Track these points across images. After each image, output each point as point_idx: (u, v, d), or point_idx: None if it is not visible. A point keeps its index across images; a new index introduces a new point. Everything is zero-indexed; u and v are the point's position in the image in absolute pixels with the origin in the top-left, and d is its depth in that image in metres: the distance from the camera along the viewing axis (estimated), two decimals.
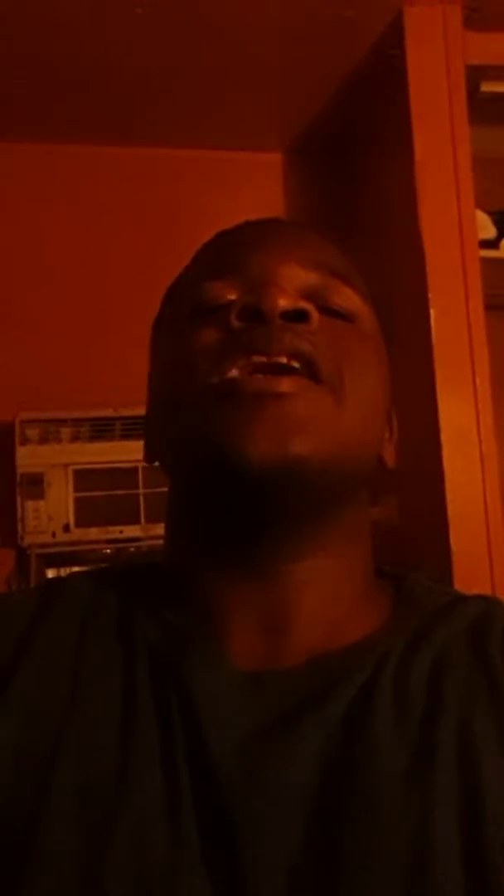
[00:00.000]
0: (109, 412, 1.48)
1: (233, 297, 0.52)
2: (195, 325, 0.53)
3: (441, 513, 1.22)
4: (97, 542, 1.47)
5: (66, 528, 1.45)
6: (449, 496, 1.22)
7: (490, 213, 1.46)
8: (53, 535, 1.45)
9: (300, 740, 0.46)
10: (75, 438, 1.48)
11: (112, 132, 1.62)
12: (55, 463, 1.47)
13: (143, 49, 1.38)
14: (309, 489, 0.48)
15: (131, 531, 1.47)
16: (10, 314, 1.57)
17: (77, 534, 1.46)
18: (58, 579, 0.61)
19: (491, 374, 1.27)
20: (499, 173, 1.52)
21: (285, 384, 0.48)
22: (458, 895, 0.42)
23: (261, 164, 1.71)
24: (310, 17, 1.32)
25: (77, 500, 1.46)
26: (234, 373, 0.49)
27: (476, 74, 1.37)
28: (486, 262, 1.33)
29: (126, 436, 1.47)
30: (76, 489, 1.47)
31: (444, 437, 1.24)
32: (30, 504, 1.45)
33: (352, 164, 1.64)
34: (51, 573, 1.45)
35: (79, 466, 1.47)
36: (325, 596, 0.52)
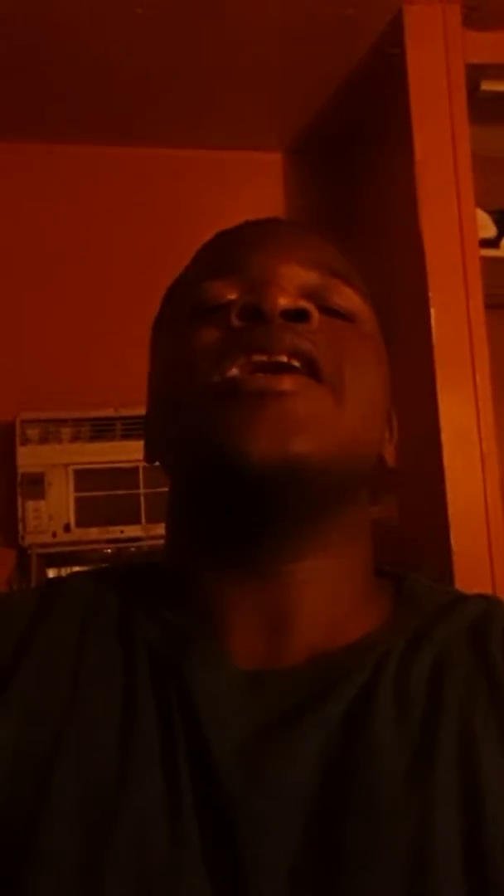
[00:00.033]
0: (110, 412, 1.48)
1: (233, 296, 0.52)
2: (195, 324, 0.53)
3: (441, 512, 1.22)
4: (98, 542, 1.47)
5: (67, 528, 1.46)
6: (449, 496, 1.22)
7: (490, 212, 1.46)
8: (54, 534, 1.45)
9: (300, 740, 0.46)
10: (76, 438, 1.48)
11: (112, 132, 1.62)
12: (56, 463, 1.47)
13: (142, 49, 1.37)
14: (309, 488, 0.48)
15: (132, 531, 1.47)
16: (10, 314, 1.57)
17: (78, 534, 1.46)
18: (58, 579, 0.61)
19: (491, 374, 1.27)
20: (499, 172, 1.52)
21: (286, 382, 0.48)
22: (458, 895, 0.42)
23: (261, 163, 1.71)
24: (309, 16, 1.32)
25: (78, 500, 1.46)
26: (234, 372, 0.49)
27: (476, 73, 1.37)
28: (486, 261, 1.33)
29: (126, 436, 1.47)
30: (77, 489, 1.47)
31: (444, 437, 1.24)
32: (30, 504, 1.45)
33: (352, 163, 1.64)
34: (51, 573, 1.45)
35: (79, 466, 1.47)
36: (325, 595, 0.52)
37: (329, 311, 0.53)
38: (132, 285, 1.50)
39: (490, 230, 1.46)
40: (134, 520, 1.47)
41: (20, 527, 1.45)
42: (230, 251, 0.55)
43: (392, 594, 0.56)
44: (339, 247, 0.58)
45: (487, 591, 1.16)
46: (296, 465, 0.47)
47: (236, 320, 0.50)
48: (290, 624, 0.51)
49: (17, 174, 1.62)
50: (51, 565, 1.46)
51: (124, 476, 1.47)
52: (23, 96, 1.48)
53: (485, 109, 1.41)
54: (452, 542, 1.21)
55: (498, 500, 1.24)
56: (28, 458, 1.46)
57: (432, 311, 1.27)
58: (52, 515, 1.45)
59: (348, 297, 0.54)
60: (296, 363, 0.49)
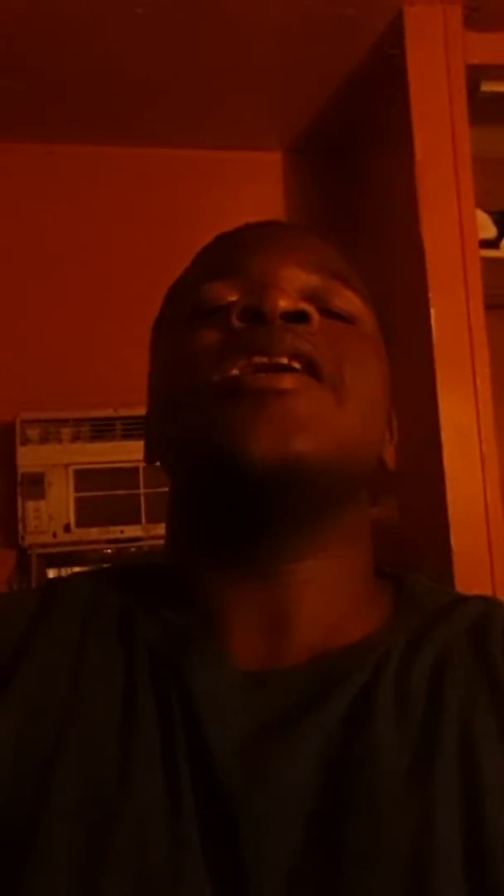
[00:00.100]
0: (110, 412, 1.48)
1: (233, 298, 0.52)
2: (196, 325, 0.53)
3: (441, 513, 1.22)
4: (98, 542, 1.47)
5: (67, 528, 1.46)
6: (449, 496, 1.22)
7: (490, 213, 1.46)
8: (54, 535, 1.45)
9: (301, 740, 0.46)
10: (76, 438, 1.48)
11: (112, 132, 1.62)
12: (56, 463, 1.47)
13: (142, 49, 1.38)
14: (310, 487, 0.48)
15: (132, 531, 1.47)
16: (10, 314, 1.57)
17: (78, 534, 1.46)
18: (58, 579, 0.61)
19: (491, 374, 1.27)
20: (499, 173, 1.52)
21: (287, 381, 0.49)
22: (458, 895, 0.42)
23: (261, 163, 1.71)
24: (310, 16, 1.32)
25: (78, 500, 1.46)
26: (235, 372, 0.49)
27: (476, 74, 1.37)
28: (486, 261, 1.34)
29: (127, 436, 1.47)
30: (77, 489, 1.47)
31: (444, 437, 1.24)
32: (30, 504, 1.45)
33: (352, 163, 1.64)
34: (52, 573, 1.45)
35: (79, 466, 1.47)
36: (325, 596, 0.52)
37: (329, 313, 0.53)
38: (132, 285, 1.50)
39: (490, 231, 1.46)
40: (134, 520, 1.47)
41: (20, 527, 1.45)
42: (230, 253, 0.55)
43: (392, 594, 0.56)
44: (339, 249, 0.58)
45: (487, 591, 1.16)
46: (296, 464, 0.47)
47: (237, 322, 0.50)
48: (290, 624, 0.51)
49: (17, 174, 1.62)
50: (51, 565, 1.46)
51: (124, 476, 1.47)
52: (23, 96, 1.48)
53: (485, 110, 1.41)
54: (452, 542, 1.21)
55: (498, 500, 1.24)
56: (28, 458, 1.46)
57: (432, 311, 1.27)
58: (52, 515, 1.45)
59: (348, 300, 0.54)
60: (296, 365, 0.49)
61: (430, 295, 1.27)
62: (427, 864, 0.42)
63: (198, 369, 0.51)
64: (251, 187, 1.68)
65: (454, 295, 1.28)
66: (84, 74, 1.44)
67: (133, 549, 1.47)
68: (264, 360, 0.49)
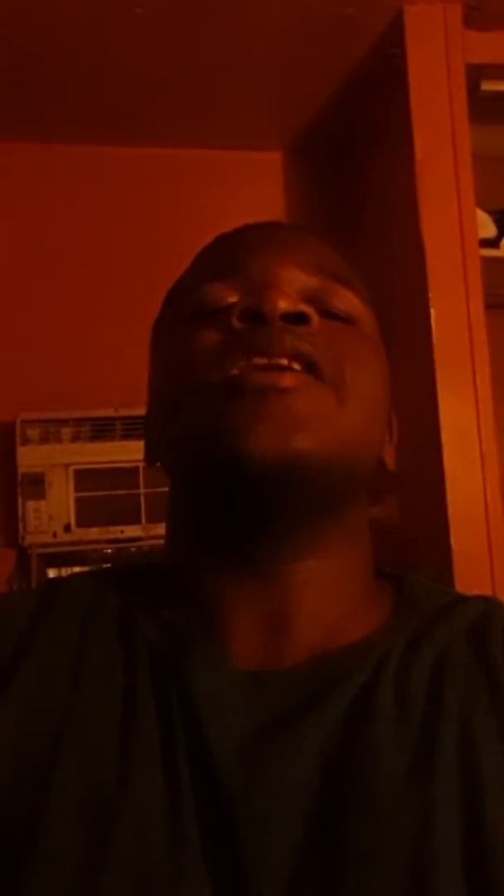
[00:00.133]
0: (110, 412, 1.48)
1: (233, 299, 0.52)
2: (196, 326, 0.53)
3: (441, 512, 1.22)
4: (98, 541, 1.47)
5: (67, 528, 1.46)
6: (449, 496, 1.22)
7: (490, 212, 1.46)
8: (54, 535, 1.45)
9: (301, 740, 0.46)
10: (76, 438, 1.48)
11: (112, 132, 1.62)
12: (56, 463, 1.47)
13: (142, 48, 1.38)
14: (310, 486, 0.48)
15: (132, 531, 1.47)
16: (10, 314, 1.57)
17: (78, 534, 1.46)
18: (59, 579, 0.61)
19: (491, 374, 1.27)
20: (499, 172, 1.52)
21: (287, 380, 0.49)
22: (458, 895, 0.42)
23: (261, 163, 1.71)
24: (310, 16, 1.32)
25: (78, 500, 1.47)
26: (235, 372, 0.49)
27: (476, 73, 1.37)
28: (486, 261, 1.33)
29: (127, 436, 1.47)
30: (77, 489, 1.47)
31: (444, 437, 1.24)
32: (31, 504, 1.45)
33: (352, 163, 1.64)
34: (52, 573, 1.45)
35: (79, 466, 1.47)
36: (325, 596, 0.52)
37: (329, 314, 0.53)
38: (132, 285, 1.50)
39: (490, 230, 1.46)
40: (134, 520, 1.47)
41: (20, 527, 1.45)
42: (230, 254, 0.56)
43: (392, 595, 0.56)
44: (338, 250, 0.58)
45: (487, 590, 1.16)
46: (297, 462, 0.47)
47: (237, 323, 0.50)
48: (290, 624, 0.51)
49: (16, 174, 1.62)
50: (51, 565, 1.46)
51: (124, 476, 1.47)
52: (22, 96, 1.48)
53: (485, 109, 1.41)
54: (452, 541, 1.21)
55: (498, 499, 1.24)
56: (28, 458, 1.46)
57: (432, 311, 1.27)
58: (52, 515, 1.45)
59: (348, 301, 0.54)
60: (296, 366, 0.49)
61: (430, 294, 1.27)
62: (427, 863, 0.42)
63: (198, 369, 0.51)
64: (251, 187, 1.68)
65: (454, 294, 1.28)
66: (84, 74, 1.44)
67: (133, 549, 1.47)
68: (264, 360, 0.49)
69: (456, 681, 0.49)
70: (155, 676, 0.49)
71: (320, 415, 0.49)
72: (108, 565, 1.42)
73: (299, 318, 0.50)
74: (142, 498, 1.47)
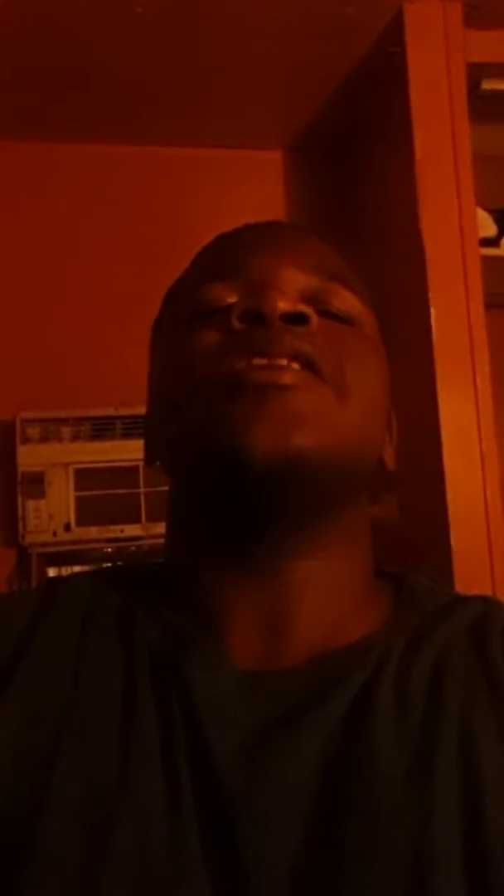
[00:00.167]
0: (110, 411, 1.48)
1: (233, 299, 0.52)
2: (196, 326, 0.53)
3: (441, 512, 1.22)
4: (98, 541, 1.47)
5: (67, 528, 1.46)
6: (449, 495, 1.22)
7: (490, 211, 1.46)
8: (54, 534, 1.45)
9: (301, 740, 0.46)
10: (76, 437, 1.48)
11: (112, 131, 1.62)
12: (56, 462, 1.47)
13: (142, 47, 1.37)
14: (310, 483, 0.48)
15: (132, 530, 1.47)
16: (10, 313, 1.57)
17: (78, 533, 1.46)
18: (59, 579, 0.61)
19: (491, 373, 1.27)
20: (499, 171, 1.52)
21: (288, 377, 0.49)
22: (458, 895, 0.42)
23: (261, 162, 1.71)
24: (310, 15, 1.32)
25: (78, 499, 1.46)
26: (235, 370, 0.49)
27: (477, 72, 1.37)
28: (486, 260, 1.33)
29: (127, 435, 1.47)
30: (77, 488, 1.47)
31: (444, 436, 1.24)
32: (30, 503, 1.45)
33: (352, 162, 1.64)
34: (52, 572, 1.45)
35: (79, 465, 1.47)
36: (325, 595, 0.53)
37: (329, 314, 0.53)
38: (132, 284, 1.50)
39: (490, 229, 1.46)
40: (134, 519, 1.47)
41: (20, 526, 1.45)
42: (230, 254, 0.56)
43: (392, 595, 0.56)
44: (338, 250, 0.58)
45: (487, 590, 1.16)
46: (297, 459, 0.47)
47: (237, 323, 0.50)
48: (289, 624, 0.51)
49: (16, 173, 1.62)
50: (51, 564, 1.46)
51: (124, 475, 1.47)
52: (22, 94, 1.48)
53: (485, 108, 1.41)
54: (452, 541, 1.21)
55: (498, 499, 1.24)
56: (28, 457, 1.46)
57: (432, 310, 1.27)
58: (52, 514, 1.45)
59: (348, 301, 0.54)
60: (296, 366, 0.49)
61: (430, 294, 1.27)
62: (427, 863, 0.42)
63: (198, 369, 0.51)
64: (251, 186, 1.68)
65: (454, 293, 1.28)
66: (84, 73, 1.43)
67: (133, 548, 1.47)
68: (264, 361, 0.49)
69: (456, 681, 0.49)
70: (155, 676, 0.49)
71: (320, 412, 0.49)
72: (108, 564, 1.42)
73: (299, 319, 0.50)
74: (142, 497, 1.47)
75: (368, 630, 0.52)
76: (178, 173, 1.66)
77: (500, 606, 0.56)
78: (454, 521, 1.21)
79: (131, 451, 1.43)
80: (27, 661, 0.50)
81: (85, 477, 1.47)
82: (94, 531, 1.46)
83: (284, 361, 0.49)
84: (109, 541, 1.47)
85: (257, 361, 0.49)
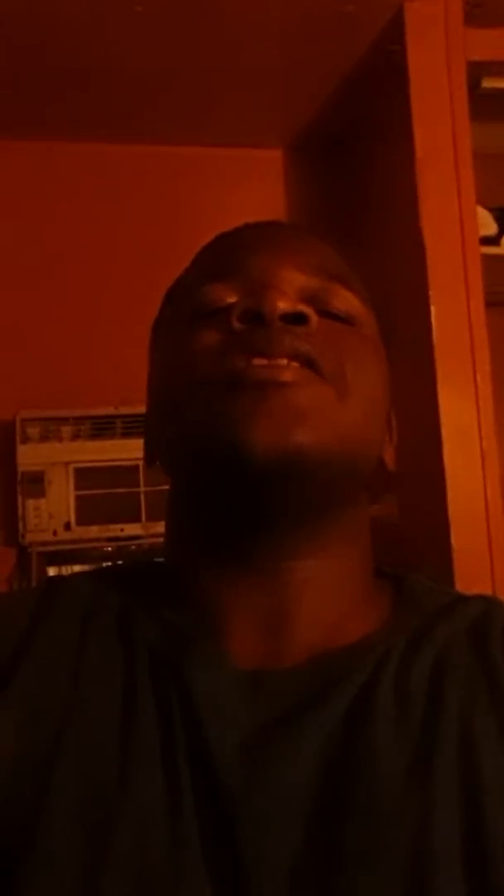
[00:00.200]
0: (110, 410, 1.48)
1: (233, 299, 0.52)
2: (195, 326, 0.53)
3: (442, 510, 1.22)
4: (98, 540, 1.47)
5: (67, 527, 1.46)
6: (450, 494, 1.22)
7: (491, 210, 1.46)
8: (54, 533, 1.45)
9: (301, 740, 0.46)
10: (76, 436, 1.48)
11: (112, 130, 1.61)
12: (56, 461, 1.47)
13: (142, 46, 1.37)
14: (310, 481, 0.48)
15: (132, 529, 1.47)
16: (10, 312, 1.57)
17: (78, 532, 1.46)
18: (59, 578, 0.61)
19: (492, 372, 1.27)
20: (500, 169, 1.52)
21: (288, 374, 0.49)
22: (458, 895, 0.42)
23: (261, 161, 1.70)
24: (310, 13, 1.32)
25: (78, 499, 1.46)
26: (234, 368, 0.49)
27: (477, 70, 1.37)
28: (487, 258, 1.33)
29: (127, 434, 1.47)
30: (77, 487, 1.47)
31: (444, 435, 1.24)
32: (31, 502, 1.45)
33: (353, 160, 1.64)
34: (52, 571, 1.45)
35: (80, 464, 1.47)
36: (325, 595, 0.52)
37: (329, 314, 0.53)
38: (132, 283, 1.50)
39: (491, 227, 1.46)
40: (134, 518, 1.47)
41: (20, 525, 1.45)
42: (230, 254, 0.55)
43: (392, 595, 0.56)
44: (338, 250, 0.58)
45: (487, 589, 1.16)
46: (297, 456, 0.47)
47: (237, 323, 0.50)
48: (289, 623, 0.51)
49: (16, 172, 1.62)
50: (51, 564, 1.46)
51: (125, 474, 1.47)
52: (22, 93, 1.48)
53: (486, 106, 1.41)
54: (452, 539, 1.21)
55: (498, 497, 1.24)
56: (28, 456, 1.46)
57: (433, 308, 1.27)
58: (52, 514, 1.45)
59: (347, 301, 0.54)
60: (296, 365, 0.49)
61: (431, 292, 1.27)
62: (427, 864, 0.42)
63: (198, 369, 0.51)
64: (252, 185, 1.68)
65: (455, 292, 1.28)
66: (84, 72, 1.43)
67: (133, 547, 1.47)
68: (264, 361, 0.49)
69: (456, 680, 0.49)
70: (155, 676, 0.49)
71: (321, 410, 0.49)
72: (109, 564, 1.42)
73: (299, 319, 0.50)
74: (142, 496, 1.47)
75: (368, 630, 0.52)
76: (178, 172, 1.66)
77: (500, 606, 0.56)
78: (454, 520, 1.21)
79: (131, 450, 1.43)
80: (27, 661, 0.50)
81: (85, 476, 1.47)
82: (94, 530, 1.46)
83: (284, 361, 0.49)
84: (109, 540, 1.47)
85: (257, 361, 0.49)
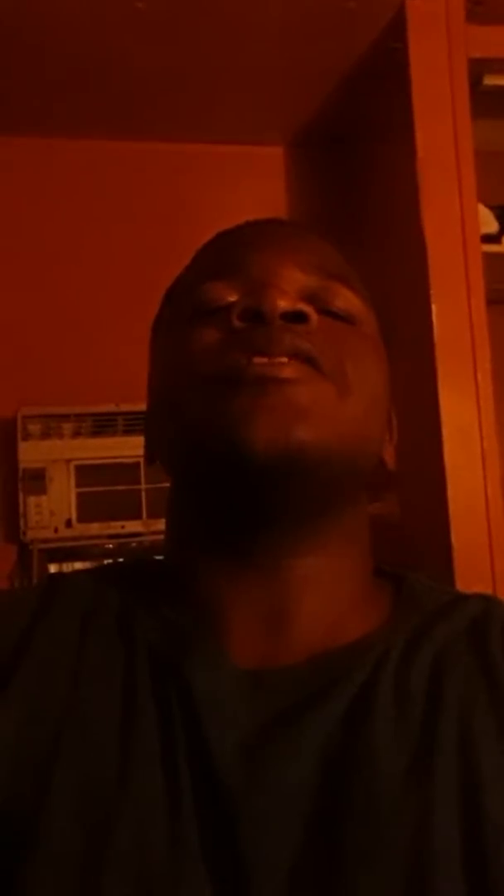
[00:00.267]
0: (111, 407, 1.48)
1: (233, 298, 0.52)
2: (195, 325, 0.53)
3: (442, 509, 1.22)
4: (99, 537, 1.47)
5: (69, 524, 1.46)
6: (450, 492, 1.22)
7: (492, 208, 1.46)
8: (56, 530, 1.45)
9: (301, 739, 0.46)
10: (77, 434, 1.48)
11: (113, 126, 1.61)
12: (57, 458, 1.47)
13: (143, 43, 1.37)
14: (310, 478, 0.48)
15: (133, 526, 1.47)
16: (11, 309, 1.57)
17: (79, 529, 1.46)
18: (59, 576, 0.61)
19: (493, 370, 1.27)
20: (501, 167, 1.52)
21: (288, 371, 0.49)
22: (458, 895, 0.42)
23: (262, 158, 1.70)
24: (311, 10, 1.31)
25: (79, 496, 1.46)
26: (235, 366, 0.49)
27: (479, 68, 1.37)
28: (488, 256, 1.33)
29: (128, 431, 1.47)
30: (78, 484, 1.47)
31: (445, 433, 1.24)
32: (32, 499, 1.45)
33: (354, 158, 1.64)
34: (53, 568, 1.45)
35: (81, 462, 1.47)
36: (324, 594, 0.52)
37: (329, 313, 0.53)
38: (133, 280, 1.50)
39: (492, 225, 1.45)
40: (135, 515, 1.47)
41: (21, 522, 1.45)
42: (230, 252, 0.55)
43: (392, 594, 0.56)
44: (339, 249, 0.58)
45: (488, 587, 1.16)
46: (298, 454, 0.47)
47: (237, 322, 0.50)
48: (289, 622, 0.51)
49: (17, 169, 1.62)
50: (52, 561, 1.46)
51: (126, 471, 1.47)
52: (23, 90, 1.48)
53: (487, 104, 1.40)
54: (453, 538, 1.21)
55: (499, 496, 1.24)
56: (29, 453, 1.46)
57: (434, 306, 1.27)
58: (53, 511, 1.45)
59: (348, 300, 0.54)
60: (296, 364, 0.49)
61: (432, 290, 1.27)
62: (426, 863, 0.42)
63: (198, 367, 0.51)
64: (253, 182, 1.68)
65: (456, 290, 1.28)
66: (84, 69, 1.43)
67: (134, 545, 1.47)
68: (264, 360, 0.49)
69: (455, 680, 0.49)
70: (155, 676, 0.49)
71: (321, 407, 0.49)
72: (109, 561, 1.42)
73: (299, 317, 0.50)
74: (143, 493, 1.47)
75: (368, 629, 0.52)
76: (179, 169, 1.65)
77: (500, 605, 0.56)
78: (455, 518, 1.21)
79: (132, 447, 1.43)
80: (27, 660, 0.51)
81: (86, 473, 1.47)
82: (95, 527, 1.46)
83: (285, 359, 0.49)
84: (110, 537, 1.47)
85: (258, 360, 0.49)
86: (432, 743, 0.46)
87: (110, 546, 1.48)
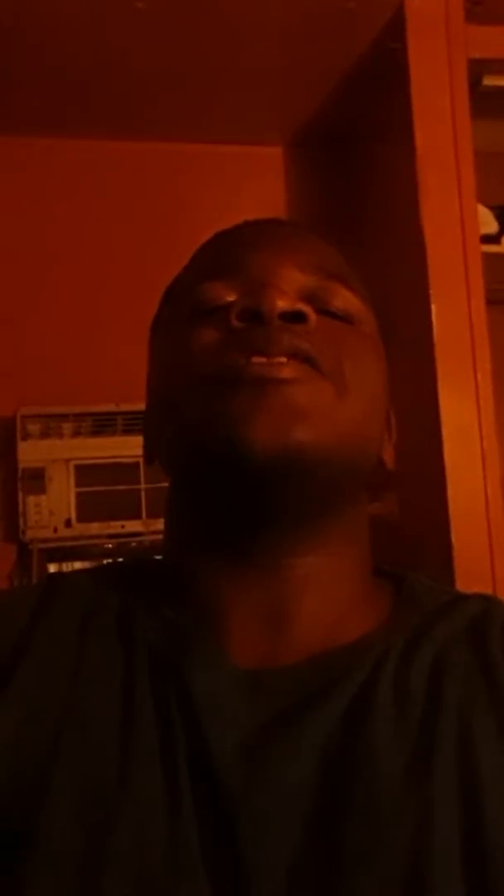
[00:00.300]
0: (111, 407, 1.48)
1: (232, 298, 0.52)
2: (194, 325, 0.53)
3: (442, 509, 1.22)
4: (99, 536, 1.47)
5: (68, 523, 1.46)
6: (450, 492, 1.22)
7: (492, 208, 1.46)
8: (55, 530, 1.45)
9: (300, 739, 0.46)
10: (77, 433, 1.48)
11: (112, 126, 1.61)
12: (56, 458, 1.47)
13: (144, 43, 1.37)
14: (309, 478, 0.48)
15: (133, 526, 1.47)
16: (10, 309, 1.56)
17: (79, 529, 1.46)
18: (59, 575, 0.61)
19: (493, 370, 1.27)
20: (501, 167, 1.52)
21: (287, 371, 0.49)
22: (457, 895, 0.42)
23: (262, 158, 1.70)
24: (311, 10, 1.31)
25: (78, 495, 1.46)
26: (233, 366, 0.49)
27: (478, 68, 1.36)
28: (487, 257, 1.33)
29: (128, 431, 1.47)
30: (78, 484, 1.46)
31: (445, 433, 1.24)
32: (31, 499, 1.45)
33: (353, 158, 1.64)
34: (52, 568, 1.45)
35: (80, 461, 1.47)
36: (324, 594, 0.53)
37: (328, 313, 0.53)
38: (133, 280, 1.49)
39: (492, 226, 1.45)
40: (135, 515, 1.47)
41: (21, 522, 1.45)
42: (229, 252, 0.55)
43: (392, 594, 0.56)
44: (338, 248, 0.58)
45: (488, 587, 1.16)
46: (297, 454, 0.47)
47: (236, 322, 0.50)
48: (289, 622, 0.51)
49: (17, 168, 1.62)
50: (52, 560, 1.46)
51: (125, 471, 1.47)
52: (22, 91, 1.48)
53: (487, 104, 1.40)
54: (453, 538, 1.20)
55: (499, 496, 1.24)
56: (29, 453, 1.46)
57: (433, 307, 1.27)
58: (52, 510, 1.45)
59: (347, 300, 0.54)
60: (295, 364, 0.49)
61: (431, 290, 1.27)
62: (426, 863, 0.42)
63: (196, 367, 0.51)
64: (252, 182, 1.68)
65: (455, 290, 1.28)
66: (85, 69, 1.43)
67: (134, 544, 1.47)
68: (263, 360, 0.49)
69: (455, 679, 0.49)
70: (154, 676, 0.49)
71: (320, 407, 0.49)
72: (109, 560, 1.42)
73: (297, 317, 0.50)
74: (142, 493, 1.47)
75: (368, 629, 0.52)
76: (178, 169, 1.65)
77: (499, 604, 0.56)
78: (455, 518, 1.21)
79: (132, 447, 1.43)
80: (27, 659, 0.51)
81: (86, 473, 1.47)
82: (94, 527, 1.46)
83: (284, 359, 0.49)
84: (110, 537, 1.47)
85: (256, 360, 0.49)
86: (432, 743, 0.46)
87: (110, 546, 1.48)
